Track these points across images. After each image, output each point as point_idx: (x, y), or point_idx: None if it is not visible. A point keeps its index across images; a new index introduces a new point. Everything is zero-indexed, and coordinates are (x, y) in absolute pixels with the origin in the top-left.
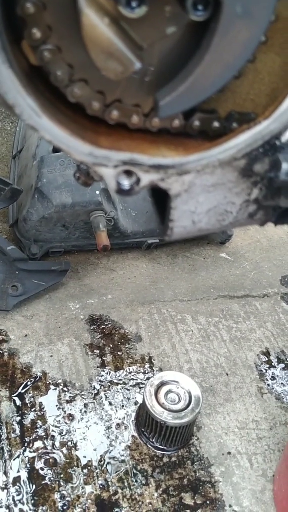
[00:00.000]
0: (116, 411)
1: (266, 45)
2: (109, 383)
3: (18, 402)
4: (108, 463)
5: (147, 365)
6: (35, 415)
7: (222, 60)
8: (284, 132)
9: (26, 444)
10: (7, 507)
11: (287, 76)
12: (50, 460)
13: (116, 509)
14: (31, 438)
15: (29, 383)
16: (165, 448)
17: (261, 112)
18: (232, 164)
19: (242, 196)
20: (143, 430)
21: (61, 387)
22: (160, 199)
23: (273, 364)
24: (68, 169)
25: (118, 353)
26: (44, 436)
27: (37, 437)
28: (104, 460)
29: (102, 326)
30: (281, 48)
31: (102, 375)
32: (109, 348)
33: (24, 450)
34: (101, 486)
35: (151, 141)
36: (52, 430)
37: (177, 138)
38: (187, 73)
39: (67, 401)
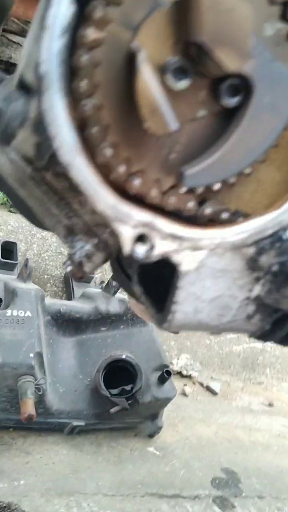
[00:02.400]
0: None
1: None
2: None
3: None
4: None
5: None
6: None
7: (247, 144)
8: None
9: None
10: None
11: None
12: None
13: None
14: None
15: None
16: None
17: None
18: (241, 251)
19: (244, 291)
20: None
21: None
22: (155, 287)
23: None
24: (2, 328)
25: None
26: None
27: None
28: None
29: None
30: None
31: None
32: None
33: None
34: None
35: (168, 214)
36: None
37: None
38: (213, 150)
39: None
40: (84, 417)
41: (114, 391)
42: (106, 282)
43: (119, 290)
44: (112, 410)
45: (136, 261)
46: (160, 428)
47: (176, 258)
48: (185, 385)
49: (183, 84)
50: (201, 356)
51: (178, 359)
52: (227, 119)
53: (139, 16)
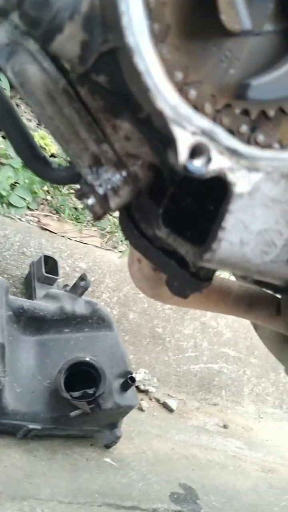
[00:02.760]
0: None
1: None
2: None
3: None
4: None
5: None
6: None
7: None
8: None
9: None
10: None
11: None
12: None
13: None
14: None
15: None
16: None
17: None
18: None
19: None
20: None
21: None
22: (185, 227)
23: None
24: None
25: None
26: None
27: None
28: None
29: None
30: None
31: None
32: None
33: None
34: None
35: None
36: None
37: None
38: (279, 65)
39: None
40: (41, 421)
41: (76, 394)
42: (71, 286)
43: (86, 291)
44: (72, 413)
45: (190, 176)
46: (118, 438)
47: (231, 177)
48: (141, 400)
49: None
50: (158, 372)
51: (136, 373)
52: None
53: None
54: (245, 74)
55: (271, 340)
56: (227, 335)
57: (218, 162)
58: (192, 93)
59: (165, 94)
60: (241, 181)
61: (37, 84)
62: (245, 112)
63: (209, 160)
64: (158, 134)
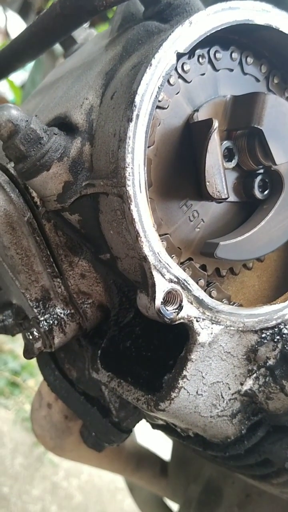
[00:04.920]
0: None
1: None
2: None
3: None
4: None
5: None
6: None
7: (270, 234)
8: None
9: None
10: None
11: None
12: None
13: None
14: None
15: None
16: None
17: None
18: (246, 337)
19: (238, 383)
20: None
21: None
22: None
23: None
24: None
25: None
26: None
27: None
28: None
29: None
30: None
31: None
32: None
33: None
34: None
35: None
36: None
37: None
38: (241, 232)
39: None
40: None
41: None
42: None
43: None
44: None
45: (162, 320)
46: None
47: (197, 326)
48: None
49: (230, 165)
50: None
51: None
52: (246, 209)
53: (202, 97)
54: (206, 233)
55: (146, 504)
56: (78, 498)
57: (188, 311)
58: (164, 244)
59: (152, 242)
60: (205, 332)
61: (0, 213)
62: (203, 268)
63: (180, 307)
64: (115, 275)
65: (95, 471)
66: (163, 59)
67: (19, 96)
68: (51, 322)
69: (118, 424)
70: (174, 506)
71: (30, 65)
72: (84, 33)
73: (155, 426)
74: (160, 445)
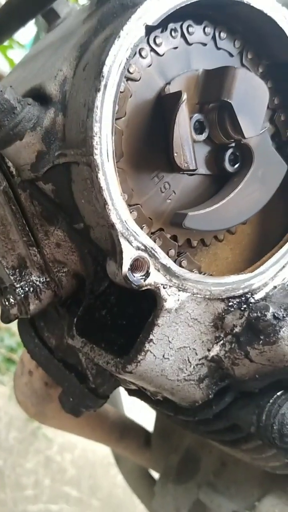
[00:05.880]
0: None
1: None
2: None
3: None
4: None
5: None
6: None
7: (238, 206)
8: (258, 291)
9: None
10: None
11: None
12: None
13: None
14: None
15: None
16: None
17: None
18: (214, 304)
19: (204, 349)
20: None
21: None
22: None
23: None
24: None
25: None
26: None
27: None
28: None
29: None
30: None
31: None
32: None
33: None
34: None
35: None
36: None
37: None
38: (211, 203)
39: None
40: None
41: None
42: None
43: None
44: None
45: (131, 287)
46: None
47: (163, 293)
48: None
49: (200, 137)
50: None
51: None
52: (217, 182)
53: (174, 71)
54: (177, 205)
55: (131, 475)
56: (70, 472)
57: (155, 277)
58: (134, 214)
59: (119, 210)
60: (171, 298)
61: None
62: (174, 238)
63: (147, 274)
64: (90, 245)
65: (89, 446)
66: (132, 31)
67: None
68: (26, 289)
69: (95, 390)
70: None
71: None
72: (67, 8)
73: (130, 392)
74: (148, 419)
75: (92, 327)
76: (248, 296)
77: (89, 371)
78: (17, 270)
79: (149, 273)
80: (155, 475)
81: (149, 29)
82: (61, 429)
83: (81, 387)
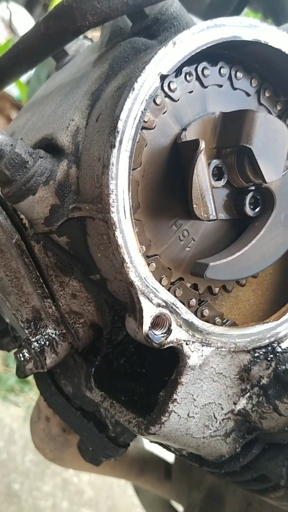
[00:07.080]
0: None
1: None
2: None
3: None
4: None
5: None
6: None
7: (261, 252)
8: (285, 339)
9: None
10: None
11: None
12: None
13: None
14: None
15: None
16: None
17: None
18: (239, 357)
19: (231, 402)
20: None
21: None
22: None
23: None
24: None
25: None
26: None
27: None
28: None
29: None
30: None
31: None
32: None
33: None
34: None
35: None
36: None
37: None
38: (232, 251)
39: None
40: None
41: None
42: None
43: None
44: None
45: (150, 345)
46: None
47: (186, 349)
48: None
49: (219, 184)
50: None
51: None
52: (238, 226)
53: (189, 116)
54: (197, 252)
55: (153, 507)
56: (88, 494)
57: (177, 334)
58: (152, 265)
59: (138, 267)
60: (195, 354)
61: None
62: (195, 287)
63: (169, 331)
64: (107, 294)
65: None
66: (146, 82)
67: (25, 92)
68: (42, 342)
69: (114, 439)
70: (179, 507)
71: None
72: (76, 45)
73: (152, 440)
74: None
75: (110, 377)
76: (275, 345)
77: (108, 419)
78: (32, 323)
79: (171, 330)
80: (175, 504)
81: (164, 77)
82: (80, 470)
83: (101, 437)
